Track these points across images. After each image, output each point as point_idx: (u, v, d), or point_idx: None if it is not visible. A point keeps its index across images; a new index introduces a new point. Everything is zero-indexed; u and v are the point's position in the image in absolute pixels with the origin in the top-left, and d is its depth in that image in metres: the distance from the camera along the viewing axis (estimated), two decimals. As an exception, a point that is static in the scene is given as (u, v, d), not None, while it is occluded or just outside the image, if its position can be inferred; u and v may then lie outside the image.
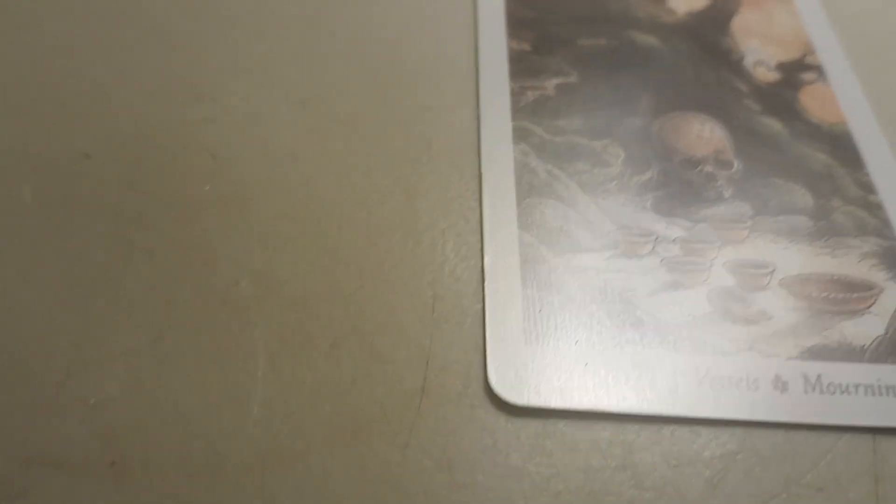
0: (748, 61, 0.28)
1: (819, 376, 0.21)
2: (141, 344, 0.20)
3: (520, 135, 0.25)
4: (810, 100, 0.27)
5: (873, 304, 0.22)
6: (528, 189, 0.24)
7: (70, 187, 0.23)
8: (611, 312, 0.22)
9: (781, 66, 0.28)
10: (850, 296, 0.22)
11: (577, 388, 0.20)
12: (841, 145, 0.26)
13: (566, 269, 0.22)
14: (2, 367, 0.20)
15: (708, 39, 0.29)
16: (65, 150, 0.24)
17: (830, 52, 0.29)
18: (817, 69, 0.28)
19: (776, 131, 0.26)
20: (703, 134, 0.26)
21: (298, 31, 0.28)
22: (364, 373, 0.20)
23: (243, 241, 0.22)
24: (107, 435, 0.19)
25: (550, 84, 0.27)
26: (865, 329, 0.22)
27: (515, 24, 0.29)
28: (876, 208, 0.25)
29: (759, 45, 0.29)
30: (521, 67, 0.27)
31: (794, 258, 0.23)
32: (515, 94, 0.26)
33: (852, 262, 0.23)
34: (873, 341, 0.22)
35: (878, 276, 0.23)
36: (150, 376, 0.20)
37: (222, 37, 0.27)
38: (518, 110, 0.26)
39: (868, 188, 0.25)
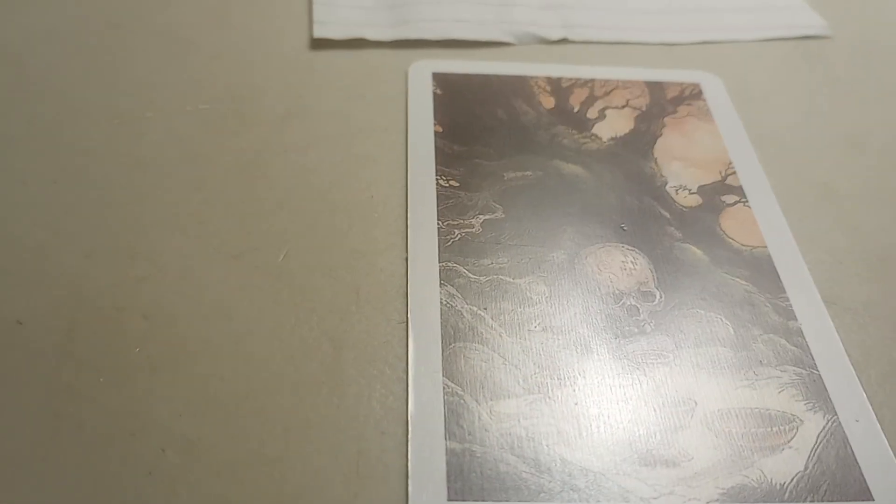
0: (670, 186, 0.29)
1: (739, 519, 0.21)
2: (66, 523, 0.20)
3: (446, 276, 0.26)
4: (731, 223, 0.28)
5: (793, 437, 0.23)
6: (453, 333, 0.25)
7: (2, 357, 0.23)
8: (532, 462, 0.22)
9: (703, 189, 0.29)
10: (770, 430, 0.23)
11: (498, 546, 0.20)
12: (761, 269, 0.27)
13: (490, 417, 0.23)
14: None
15: (631, 165, 0.30)
16: None
17: (750, 172, 0.30)
18: (738, 190, 0.29)
19: (697, 258, 0.27)
20: (626, 265, 0.27)
21: (235, 182, 0.29)
22: (286, 542, 0.20)
23: (171, 406, 0.23)
24: None
25: (477, 221, 0.28)
26: (785, 466, 0.22)
27: (444, 161, 0.30)
28: (795, 335, 0.25)
29: (681, 167, 0.30)
30: (449, 205, 0.28)
31: (716, 392, 0.24)
32: (443, 234, 0.27)
33: (773, 394, 0.24)
34: (793, 478, 0.22)
35: (798, 407, 0.23)
36: (72, 560, 0.20)
37: (161, 191, 0.28)
38: (445, 250, 0.27)
39: (787, 314, 0.26)
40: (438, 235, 0.27)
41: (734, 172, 0.30)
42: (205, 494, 0.21)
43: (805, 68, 0.36)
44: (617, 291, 0.26)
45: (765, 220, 0.28)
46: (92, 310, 0.25)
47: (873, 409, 0.24)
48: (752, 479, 0.22)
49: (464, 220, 0.28)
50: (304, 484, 0.21)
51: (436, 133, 0.31)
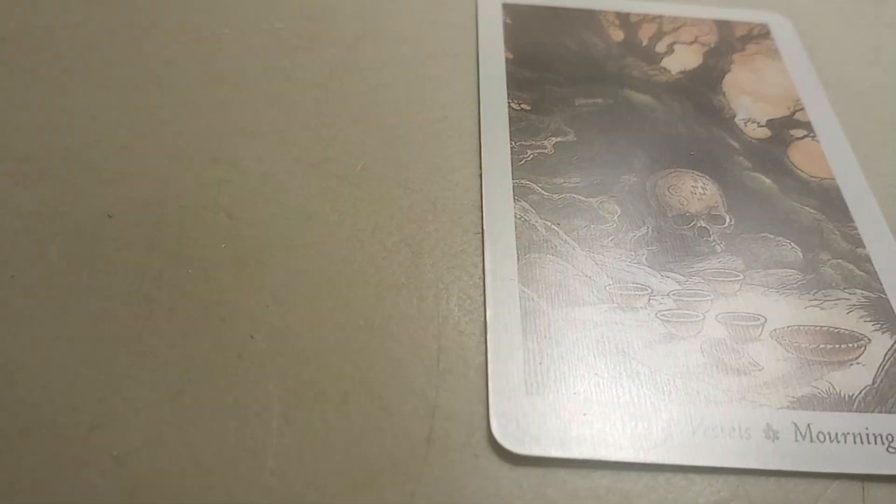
0: (739, 118, 0.30)
1: (809, 425, 0.22)
2: (162, 398, 0.21)
3: (520, 192, 0.27)
4: (799, 155, 0.29)
5: (861, 354, 0.23)
6: (528, 245, 0.25)
7: (94, 247, 0.24)
8: (608, 364, 0.23)
9: (771, 123, 0.30)
10: (839, 346, 0.23)
11: (576, 438, 0.21)
12: (829, 200, 0.27)
13: (565, 322, 0.23)
14: (28, 420, 0.21)
15: (700, 97, 0.30)
16: (89, 211, 0.25)
17: (819, 109, 0.30)
18: (806, 125, 0.30)
19: (767, 187, 0.28)
20: (696, 190, 0.27)
21: (311, 97, 0.29)
22: (373, 424, 0.21)
23: (258, 298, 0.24)
24: (129, 487, 0.20)
25: (549, 143, 0.28)
26: (854, 379, 0.23)
27: (516, 86, 0.30)
28: (863, 261, 0.26)
29: (749, 102, 0.30)
30: (521, 127, 0.29)
31: (785, 310, 0.24)
32: (516, 153, 0.28)
33: (841, 314, 0.24)
34: (861, 391, 0.22)
35: (866, 327, 0.24)
36: (170, 429, 0.21)
37: (239, 103, 0.29)
38: (518, 168, 0.27)
39: (855, 241, 0.26)
40: (511, 154, 0.28)
41: (802, 109, 0.30)
42: (294, 377, 0.22)
43: (871, 13, 0.36)
44: (687, 214, 0.27)
45: (833, 154, 0.29)
46: (178, 207, 0.25)
47: (939, 333, 0.24)
48: (821, 390, 0.22)
49: (536, 140, 0.28)
50: (388, 374, 0.22)
51: (506, 59, 0.31)
